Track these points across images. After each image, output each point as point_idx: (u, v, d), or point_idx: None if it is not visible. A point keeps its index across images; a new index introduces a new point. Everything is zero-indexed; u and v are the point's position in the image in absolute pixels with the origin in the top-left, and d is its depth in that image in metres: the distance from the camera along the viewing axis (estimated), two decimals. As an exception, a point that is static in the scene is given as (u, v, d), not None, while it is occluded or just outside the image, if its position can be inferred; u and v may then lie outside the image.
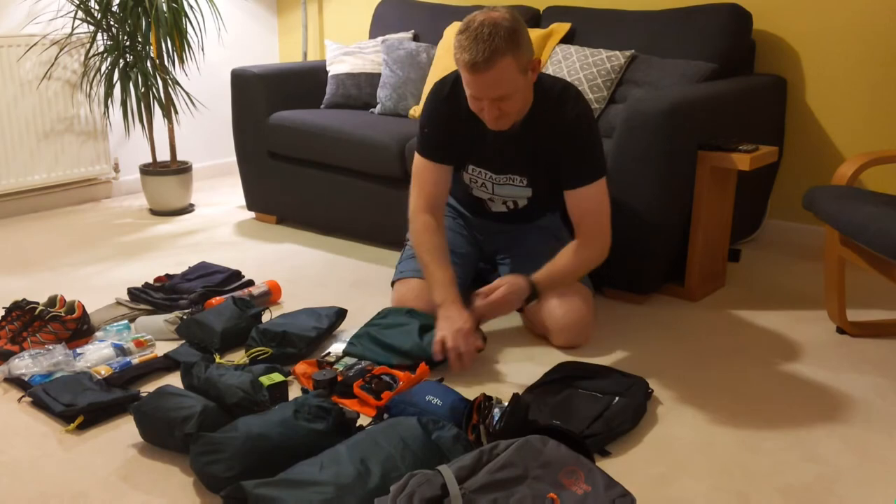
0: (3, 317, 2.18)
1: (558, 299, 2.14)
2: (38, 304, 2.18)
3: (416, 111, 3.16)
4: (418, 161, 2.18)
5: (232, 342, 2.14)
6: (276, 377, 1.82)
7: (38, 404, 1.85)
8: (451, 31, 3.17)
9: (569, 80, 2.81)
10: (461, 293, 2.10)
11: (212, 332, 2.11)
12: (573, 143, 2.03)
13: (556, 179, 2.09)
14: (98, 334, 2.21)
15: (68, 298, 2.46)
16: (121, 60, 3.39)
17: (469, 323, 1.97)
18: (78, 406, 1.77)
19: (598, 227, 2.08)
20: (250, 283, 2.58)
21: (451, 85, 2.10)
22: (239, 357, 2.05)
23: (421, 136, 2.17)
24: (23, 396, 1.89)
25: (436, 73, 3.09)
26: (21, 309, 2.16)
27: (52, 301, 2.20)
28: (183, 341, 2.18)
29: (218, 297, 2.41)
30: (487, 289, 1.99)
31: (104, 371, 1.97)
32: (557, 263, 2.06)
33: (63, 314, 2.15)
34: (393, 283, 2.35)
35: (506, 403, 1.71)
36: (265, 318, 2.31)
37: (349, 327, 2.27)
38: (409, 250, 2.34)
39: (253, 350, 2.06)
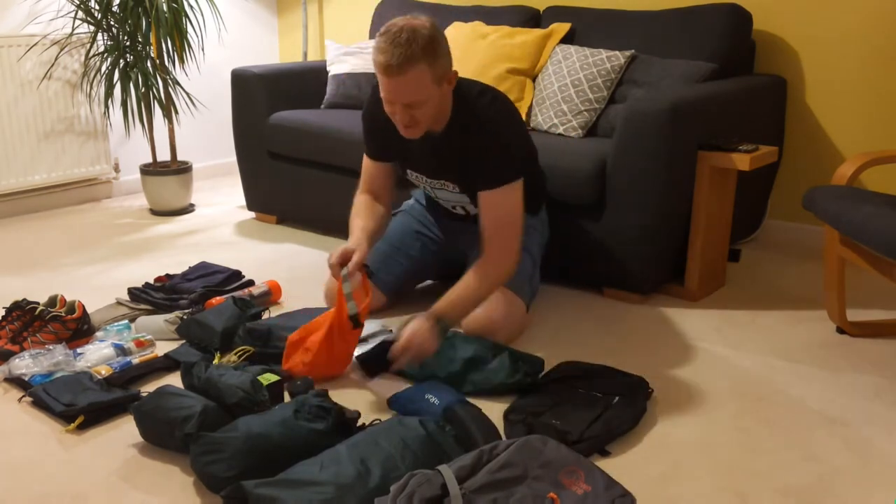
0: (3, 317, 2.18)
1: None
2: (38, 304, 2.18)
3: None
4: (365, 155, 2.26)
5: (232, 342, 2.13)
6: (271, 377, 1.81)
7: (39, 404, 1.85)
8: (452, 32, 3.17)
9: (568, 80, 2.82)
10: (405, 288, 2.35)
11: (212, 331, 2.11)
12: (481, 142, 2.00)
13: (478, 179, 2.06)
14: (98, 334, 2.22)
15: (69, 298, 2.46)
16: (121, 60, 3.39)
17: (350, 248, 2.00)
18: (78, 406, 1.77)
19: (504, 239, 2.02)
20: (250, 283, 2.58)
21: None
22: (228, 358, 2.05)
23: (363, 133, 2.24)
24: (23, 396, 1.89)
25: (436, 73, 3.09)
26: (21, 309, 2.16)
27: (52, 301, 2.20)
28: (183, 341, 2.18)
29: (218, 297, 2.41)
30: (396, 348, 1.90)
31: (104, 371, 1.97)
32: (458, 289, 2.00)
33: (63, 314, 2.15)
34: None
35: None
36: (265, 317, 2.31)
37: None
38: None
39: (237, 349, 2.06)
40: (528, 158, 2.22)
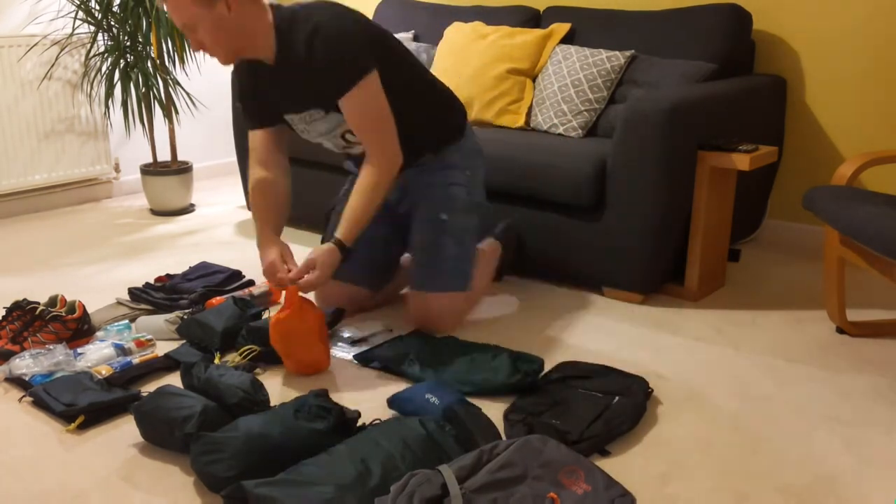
0: (3, 317, 2.18)
1: (415, 298, 2.23)
2: (38, 303, 2.18)
3: (416, 111, 3.16)
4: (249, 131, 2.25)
5: (232, 342, 2.14)
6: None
7: (39, 404, 1.85)
8: (452, 32, 3.17)
9: (568, 80, 2.82)
10: (378, 274, 2.34)
11: (212, 331, 2.12)
12: (313, 44, 1.96)
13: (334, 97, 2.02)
14: (99, 334, 2.22)
15: (69, 298, 2.46)
16: (121, 60, 3.39)
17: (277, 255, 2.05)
18: (78, 406, 1.77)
19: (378, 138, 2.03)
20: (251, 282, 2.58)
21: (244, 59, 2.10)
22: (232, 357, 2.05)
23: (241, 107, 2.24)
24: (23, 396, 1.89)
25: (436, 73, 3.09)
26: (21, 309, 2.16)
27: (52, 301, 2.20)
28: (183, 341, 2.19)
29: (218, 297, 2.41)
30: (296, 273, 1.99)
31: (105, 371, 1.97)
32: (353, 207, 2.04)
33: (64, 314, 2.15)
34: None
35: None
36: (265, 317, 2.31)
37: (349, 326, 2.27)
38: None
39: (242, 348, 2.06)
40: (394, 58, 2.10)
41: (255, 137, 2.22)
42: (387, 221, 2.34)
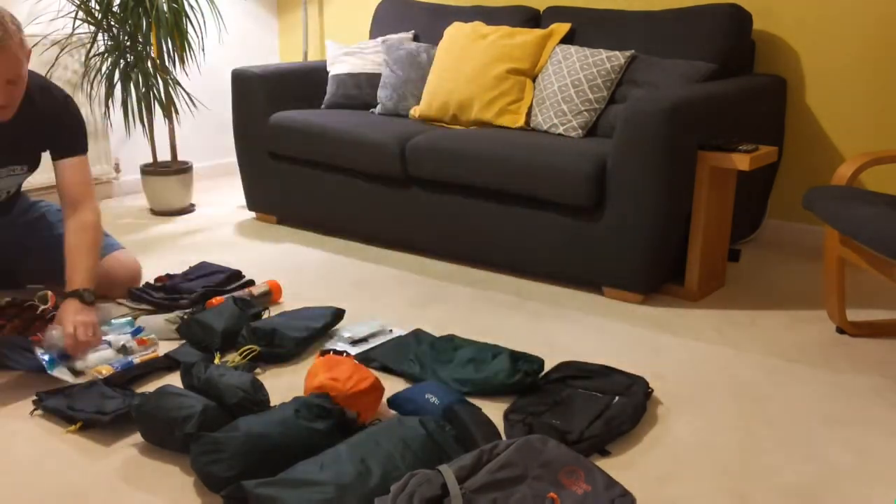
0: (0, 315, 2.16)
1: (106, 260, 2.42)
2: (34, 301, 2.17)
3: (416, 111, 3.16)
4: None
5: (232, 342, 2.14)
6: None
7: (59, 415, 1.81)
8: (452, 32, 3.17)
9: (568, 80, 2.82)
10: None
11: (213, 331, 2.12)
12: (66, 121, 2.25)
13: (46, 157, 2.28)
14: (103, 328, 2.21)
15: (69, 298, 2.46)
16: (121, 61, 3.39)
17: None
18: (108, 413, 1.75)
19: (88, 191, 2.29)
20: (251, 283, 2.58)
21: None
22: (232, 357, 2.05)
23: None
24: (34, 410, 1.86)
25: (436, 74, 3.09)
26: (18, 307, 2.16)
27: (43, 298, 2.19)
28: (183, 341, 2.18)
29: (218, 297, 2.41)
30: (70, 346, 1.99)
31: (105, 371, 1.97)
32: (81, 257, 2.16)
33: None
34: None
35: None
36: (265, 317, 2.31)
37: (349, 326, 2.27)
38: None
39: (243, 348, 2.06)
40: None
41: None
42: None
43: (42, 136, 2.26)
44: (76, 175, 2.29)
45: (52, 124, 2.24)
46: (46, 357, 1.94)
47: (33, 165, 2.35)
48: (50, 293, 2.21)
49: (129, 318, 2.28)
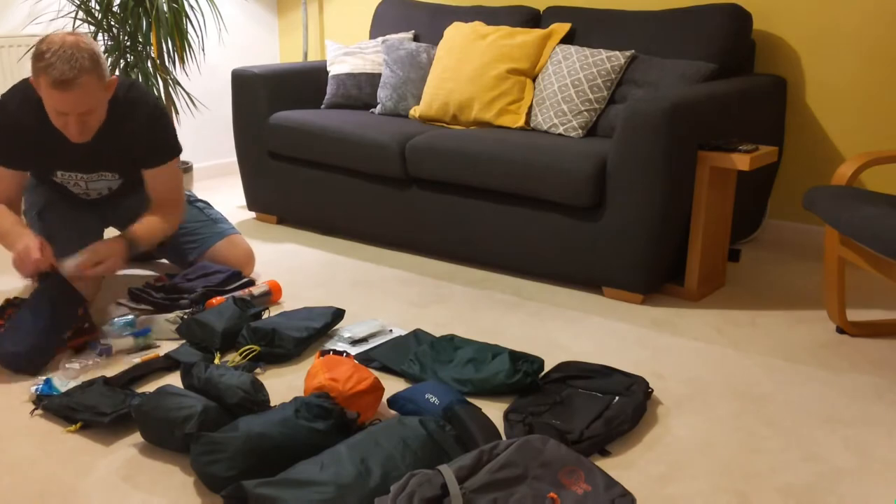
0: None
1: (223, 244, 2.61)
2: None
3: (416, 111, 3.16)
4: None
5: (232, 342, 2.14)
6: None
7: (59, 415, 1.81)
8: (452, 32, 3.17)
9: (569, 80, 2.82)
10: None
11: (213, 331, 2.12)
12: (147, 138, 2.32)
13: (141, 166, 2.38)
14: (104, 328, 2.21)
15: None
16: (121, 60, 3.39)
17: (35, 240, 2.15)
18: (108, 413, 1.75)
19: (176, 198, 2.46)
20: (251, 283, 2.58)
21: (19, 100, 2.22)
22: (232, 357, 2.05)
23: None
24: (34, 410, 1.86)
25: (436, 74, 3.09)
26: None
27: None
28: (183, 341, 2.18)
29: (218, 297, 2.41)
30: (84, 260, 2.17)
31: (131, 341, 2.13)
32: (146, 222, 2.37)
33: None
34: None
35: None
36: (265, 317, 2.31)
37: (349, 326, 2.27)
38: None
39: (243, 348, 2.06)
40: None
41: (8, 174, 2.32)
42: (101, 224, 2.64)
43: (124, 153, 2.34)
44: (160, 184, 2.41)
45: (134, 143, 2.31)
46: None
47: (124, 175, 2.44)
48: None
49: (131, 317, 2.28)
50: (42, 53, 2.01)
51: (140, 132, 2.30)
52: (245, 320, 2.18)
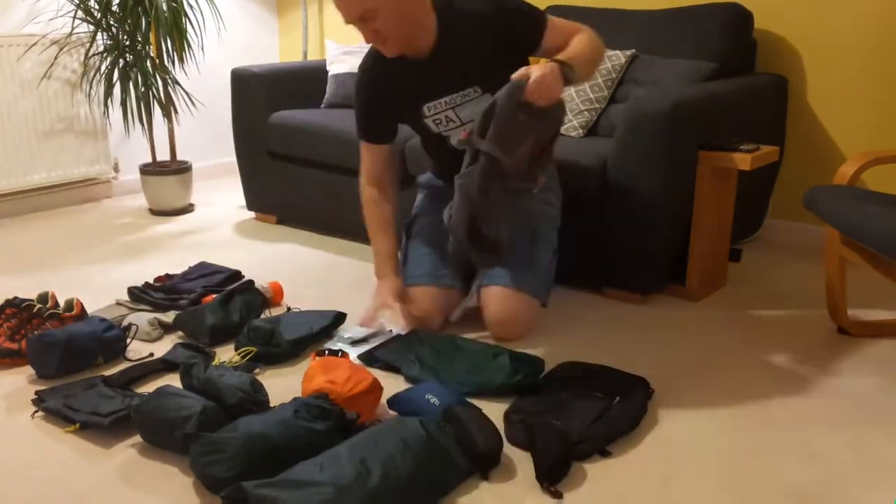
0: (-3, 315, 2.17)
1: (497, 294, 2.19)
2: (32, 301, 2.17)
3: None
4: (362, 144, 2.31)
5: (223, 338, 2.17)
6: None
7: (58, 415, 1.80)
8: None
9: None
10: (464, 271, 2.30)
11: (203, 325, 2.16)
12: (508, 24, 2.09)
13: (509, 66, 2.00)
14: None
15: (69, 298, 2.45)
16: (121, 60, 3.39)
17: (398, 283, 2.18)
18: (107, 414, 1.74)
19: (575, 27, 2.15)
20: (251, 283, 2.58)
21: (370, 56, 2.19)
22: (231, 358, 2.05)
23: (356, 122, 2.28)
24: (35, 412, 1.85)
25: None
26: (16, 307, 2.16)
27: (43, 297, 2.19)
28: (175, 343, 2.17)
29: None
30: (531, 84, 1.90)
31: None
32: (574, 47, 2.06)
33: (61, 312, 2.15)
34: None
35: None
36: (264, 317, 2.31)
37: (349, 327, 2.27)
38: (415, 247, 2.36)
39: (241, 349, 2.06)
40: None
41: (367, 152, 2.29)
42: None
43: (485, 53, 2.11)
44: (559, 37, 2.11)
45: (481, 39, 2.09)
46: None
47: (488, 87, 2.13)
48: (51, 292, 2.20)
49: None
50: None
51: (491, 25, 2.08)
52: (240, 316, 2.21)
